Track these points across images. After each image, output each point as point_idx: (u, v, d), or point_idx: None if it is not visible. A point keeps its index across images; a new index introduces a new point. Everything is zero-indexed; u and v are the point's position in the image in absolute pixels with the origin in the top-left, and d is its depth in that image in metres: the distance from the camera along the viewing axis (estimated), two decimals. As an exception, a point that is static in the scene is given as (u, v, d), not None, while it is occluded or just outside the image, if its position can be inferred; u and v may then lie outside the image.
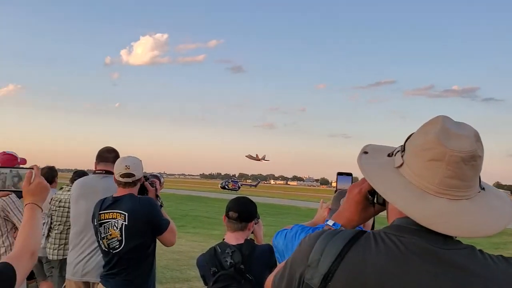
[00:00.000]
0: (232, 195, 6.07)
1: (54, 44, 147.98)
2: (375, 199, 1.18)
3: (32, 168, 1.75)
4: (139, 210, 2.96)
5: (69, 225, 3.77)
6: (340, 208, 1.26)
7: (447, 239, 0.99)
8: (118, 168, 3.02)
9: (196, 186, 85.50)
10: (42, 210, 1.75)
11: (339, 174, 2.07)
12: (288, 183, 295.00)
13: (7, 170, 1.77)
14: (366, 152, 1.15)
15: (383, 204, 1.17)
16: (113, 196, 3.05)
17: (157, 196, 3.27)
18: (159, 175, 3.48)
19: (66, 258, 3.71)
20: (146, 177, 3.27)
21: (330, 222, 1.23)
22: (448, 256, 0.96)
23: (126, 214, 2.94)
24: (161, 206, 3.18)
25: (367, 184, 1.17)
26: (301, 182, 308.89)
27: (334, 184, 2.11)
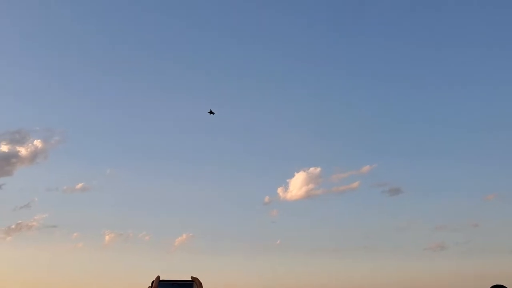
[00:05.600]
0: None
1: (218, 193, 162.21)
2: None
3: (193, 281, 1.80)
4: None
5: None
6: None
7: None
8: None
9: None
10: None
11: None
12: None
13: (169, 285, 1.81)
14: None
15: None
16: None
17: None
18: None
19: None
20: None
21: None
22: None
23: None
24: None
25: None
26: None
27: None
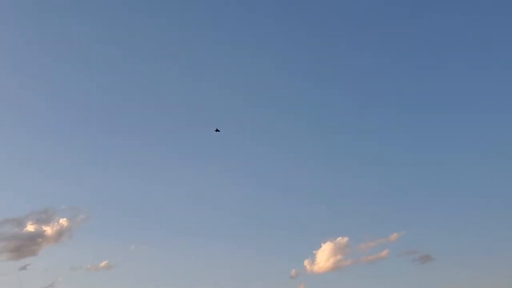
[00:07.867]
0: None
1: (242, 267, 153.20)
2: None
3: None
4: None
5: None
6: None
7: None
8: None
9: None
10: None
11: None
12: None
13: None
14: None
15: None
16: None
17: None
18: None
19: None
20: None
21: None
22: None
23: None
24: None
25: None
26: None
27: None
